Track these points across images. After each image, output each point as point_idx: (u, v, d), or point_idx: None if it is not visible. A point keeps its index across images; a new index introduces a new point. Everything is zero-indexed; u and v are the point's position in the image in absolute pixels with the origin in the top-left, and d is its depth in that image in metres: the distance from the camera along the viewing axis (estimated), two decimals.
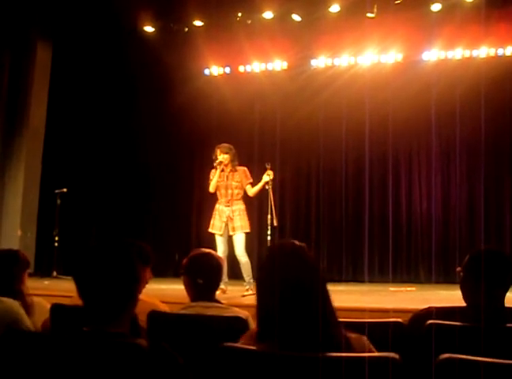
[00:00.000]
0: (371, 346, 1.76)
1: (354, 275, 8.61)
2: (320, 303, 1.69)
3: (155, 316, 2.83)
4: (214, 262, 3.23)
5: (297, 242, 1.83)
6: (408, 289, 7.26)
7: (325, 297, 1.76)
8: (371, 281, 8.36)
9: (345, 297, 5.55)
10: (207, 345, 2.15)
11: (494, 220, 8.36)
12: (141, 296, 2.98)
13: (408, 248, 8.64)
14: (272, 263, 1.78)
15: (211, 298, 3.15)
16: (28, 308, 2.98)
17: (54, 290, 5.60)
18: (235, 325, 2.68)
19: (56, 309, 2.96)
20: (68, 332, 1.84)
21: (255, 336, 1.78)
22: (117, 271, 1.80)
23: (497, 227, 8.34)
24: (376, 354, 1.67)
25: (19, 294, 2.97)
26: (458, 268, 2.78)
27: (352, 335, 1.77)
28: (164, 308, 3.02)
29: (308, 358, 1.59)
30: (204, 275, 3.10)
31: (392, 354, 1.59)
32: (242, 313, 2.91)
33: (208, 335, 2.65)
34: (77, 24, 8.44)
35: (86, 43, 8.79)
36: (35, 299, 3.20)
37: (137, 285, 1.85)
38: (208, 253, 3.28)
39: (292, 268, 1.73)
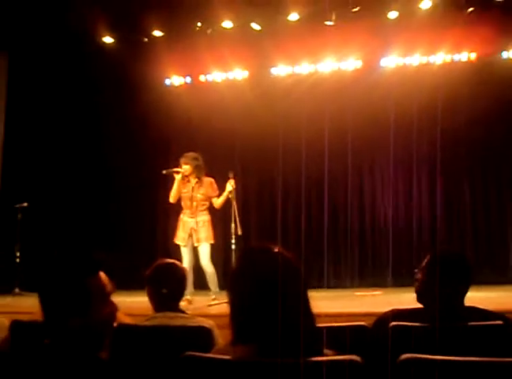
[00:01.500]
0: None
1: (321, 282, 8.64)
2: (302, 307, 1.67)
3: (119, 328, 2.80)
4: (178, 272, 3.22)
5: (272, 247, 1.78)
6: (375, 293, 7.33)
7: (306, 301, 1.74)
8: (338, 287, 8.44)
9: (312, 303, 5.56)
10: (172, 356, 2.13)
11: (455, 224, 8.56)
12: None
13: (374, 253, 8.75)
14: (250, 266, 1.74)
15: (175, 308, 3.13)
16: None
17: (15, 307, 5.48)
18: (200, 335, 2.67)
19: (15, 326, 2.89)
20: (27, 348, 1.83)
21: (228, 346, 1.74)
22: (62, 284, 1.80)
23: (459, 229, 8.53)
24: (339, 357, 1.67)
25: None
26: (416, 270, 2.83)
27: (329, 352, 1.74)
28: (127, 320, 2.99)
29: (290, 364, 1.57)
30: (168, 285, 3.09)
31: (354, 357, 1.60)
32: (207, 323, 2.90)
33: (173, 345, 2.62)
34: (33, 35, 8.31)
35: (44, 53, 8.67)
36: None
37: (88, 296, 1.83)
38: (172, 263, 3.28)
39: (273, 271, 1.67)
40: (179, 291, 3.21)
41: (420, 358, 1.59)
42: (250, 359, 1.58)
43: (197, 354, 1.71)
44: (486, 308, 2.73)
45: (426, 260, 2.85)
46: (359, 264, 8.73)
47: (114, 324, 2.45)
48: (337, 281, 8.64)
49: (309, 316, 1.69)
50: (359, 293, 7.29)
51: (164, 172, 6.55)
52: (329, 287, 8.49)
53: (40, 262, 2.00)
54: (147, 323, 3.00)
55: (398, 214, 8.68)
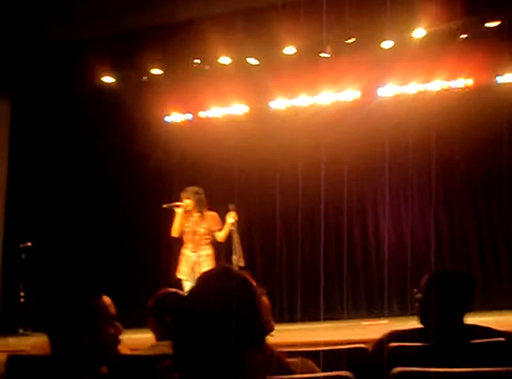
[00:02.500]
0: (317, 368, 1.71)
1: (329, 313, 8.54)
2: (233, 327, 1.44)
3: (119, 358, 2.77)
4: (180, 300, 3.20)
5: (228, 270, 1.59)
6: (381, 322, 7.25)
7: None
8: (347, 318, 8.33)
9: (319, 333, 5.54)
10: None
11: (460, 249, 8.48)
12: None
13: (380, 282, 8.64)
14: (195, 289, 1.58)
15: None
16: None
17: (16, 346, 5.44)
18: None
19: (12, 360, 2.87)
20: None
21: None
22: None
23: (465, 256, 8.44)
24: (330, 373, 1.65)
25: None
26: (414, 290, 2.81)
27: (292, 360, 1.68)
28: (127, 352, 2.97)
29: None
30: (171, 313, 3.07)
31: (345, 373, 1.58)
32: None
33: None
34: (35, 77, 8.45)
35: (45, 96, 8.79)
36: None
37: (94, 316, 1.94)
38: (174, 292, 3.27)
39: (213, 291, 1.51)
40: None
41: (412, 371, 1.57)
42: None
43: None
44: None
45: (424, 280, 2.83)
46: (364, 295, 8.65)
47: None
48: (343, 312, 8.53)
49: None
50: (365, 323, 7.20)
51: (165, 206, 6.57)
52: (335, 318, 8.39)
53: (46, 295, 2.10)
54: (148, 352, 2.98)
55: (402, 243, 8.61)
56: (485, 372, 1.53)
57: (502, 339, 2.42)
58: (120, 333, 2.05)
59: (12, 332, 7.68)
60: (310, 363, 1.71)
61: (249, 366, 1.45)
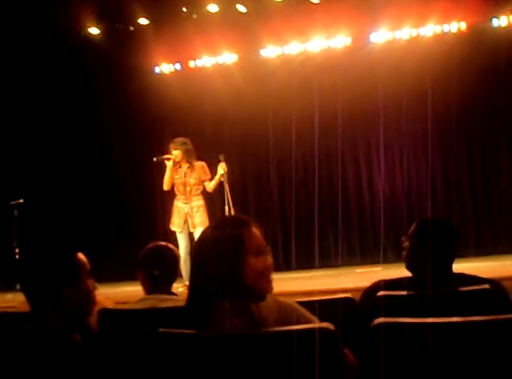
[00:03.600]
0: (304, 311, 1.75)
1: (323, 261, 8.63)
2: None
3: (105, 313, 2.78)
4: (170, 254, 3.21)
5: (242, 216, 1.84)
6: (375, 269, 7.33)
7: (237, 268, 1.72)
8: (341, 265, 8.42)
9: (313, 281, 5.59)
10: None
11: (453, 196, 8.47)
12: None
13: (373, 229, 8.70)
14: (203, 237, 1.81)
15: (167, 290, 3.11)
16: None
17: (15, 303, 5.47)
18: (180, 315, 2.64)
19: (2, 316, 2.89)
20: (10, 336, 1.88)
21: None
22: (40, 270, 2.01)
23: (459, 201, 8.46)
24: (312, 325, 1.65)
25: None
26: (402, 238, 2.80)
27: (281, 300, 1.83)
28: (108, 304, 2.99)
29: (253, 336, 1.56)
30: (160, 267, 3.08)
31: (327, 325, 1.57)
32: None
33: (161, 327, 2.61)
34: (18, 29, 8.24)
35: (31, 48, 8.60)
36: None
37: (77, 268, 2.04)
38: (164, 246, 3.27)
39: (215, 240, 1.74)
40: (172, 274, 3.18)
41: (392, 322, 1.56)
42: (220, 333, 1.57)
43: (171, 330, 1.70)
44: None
45: (412, 228, 2.82)
46: (359, 242, 8.70)
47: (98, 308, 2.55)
48: (337, 259, 8.61)
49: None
50: (359, 270, 7.28)
51: (155, 159, 6.54)
52: (330, 265, 8.47)
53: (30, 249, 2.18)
54: (136, 306, 2.99)
55: (396, 190, 8.63)
56: (469, 321, 1.53)
57: (487, 286, 2.42)
58: (95, 289, 2.15)
59: (10, 287, 7.74)
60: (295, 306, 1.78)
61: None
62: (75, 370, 1.64)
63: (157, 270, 3.05)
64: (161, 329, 1.67)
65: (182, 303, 2.97)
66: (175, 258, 3.23)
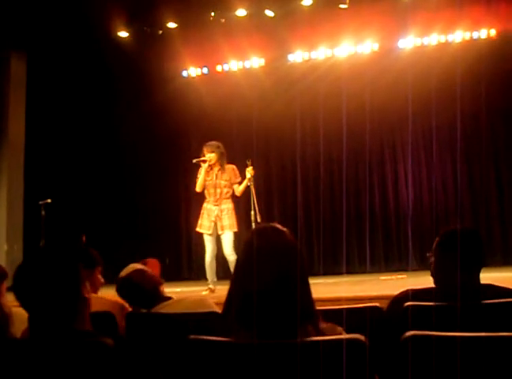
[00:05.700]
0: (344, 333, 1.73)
1: (347, 268, 8.59)
2: (298, 290, 1.65)
3: (132, 316, 2.82)
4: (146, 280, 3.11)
5: (279, 226, 1.78)
6: (399, 277, 7.27)
7: (305, 284, 1.72)
8: (365, 272, 8.38)
9: (337, 288, 5.57)
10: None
11: (481, 205, 8.37)
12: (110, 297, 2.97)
13: (398, 237, 8.65)
14: (251, 246, 1.74)
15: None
16: (7, 318, 2.95)
17: None
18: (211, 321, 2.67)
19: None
20: (43, 337, 1.86)
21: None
22: (55, 274, 1.85)
23: (485, 212, 8.35)
24: (341, 336, 1.65)
25: None
26: (429, 254, 2.79)
27: (325, 325, 1.74)
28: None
29: (286, 344, 1.56)
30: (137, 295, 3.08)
31: (359, 336, 1.58)
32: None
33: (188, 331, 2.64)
34: (50, 34, 8.37)
35: (61, 52, 8.73)
36: (15, 309, 3.17)
37: (78, 286, 1.88)
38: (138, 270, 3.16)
39: (272, 252, 1.69)
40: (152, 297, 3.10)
41: (424, 335, 1.56)
42: (251, 342, 1.58)
43: (202, 337, 1.71)
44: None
45: (436, 240, 2.81)
46: (383, 249, 8.66)
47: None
48: (362, 266, 8.58)
49: (308, 301, 1.69)
50: (383, 277, 7.23)
51: (194, 161, 6.57)
52: (354, 272, 8.44)
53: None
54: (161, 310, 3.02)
55: (422, 197, 8.56)
56: (499, 337, 1.52)
57: None
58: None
59: None
60: (339, 329, 1.72)
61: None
62: (108, 375, 1.66)
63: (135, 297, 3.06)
64: (192, 335, 1.68)
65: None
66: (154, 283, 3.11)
